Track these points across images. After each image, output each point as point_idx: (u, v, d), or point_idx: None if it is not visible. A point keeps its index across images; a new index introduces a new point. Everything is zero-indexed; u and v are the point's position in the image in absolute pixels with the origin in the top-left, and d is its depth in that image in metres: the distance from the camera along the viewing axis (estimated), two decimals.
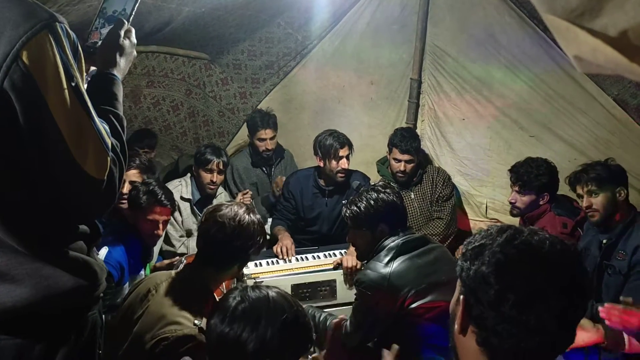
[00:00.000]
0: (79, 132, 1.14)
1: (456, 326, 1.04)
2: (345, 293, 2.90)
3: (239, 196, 3.64)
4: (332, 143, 3.35)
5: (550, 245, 0.98)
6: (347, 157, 3.38)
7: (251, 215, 1.87)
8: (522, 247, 0.99)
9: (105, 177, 1.19)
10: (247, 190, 3.75)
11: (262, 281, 2.83)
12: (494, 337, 0.98)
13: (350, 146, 3.40)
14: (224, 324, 1.35)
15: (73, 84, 1.13)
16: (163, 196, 2.60)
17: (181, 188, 3.53)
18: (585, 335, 2.06)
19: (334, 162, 3.36)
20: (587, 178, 2.55)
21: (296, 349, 1.40)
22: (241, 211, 1.86)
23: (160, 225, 2.61)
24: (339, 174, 3.39)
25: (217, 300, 1.45)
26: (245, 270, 2.94)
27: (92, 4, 2.30)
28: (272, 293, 1.41)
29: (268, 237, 3.70)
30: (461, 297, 1.03)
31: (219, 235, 1.82)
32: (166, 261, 2.92)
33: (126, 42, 1.39)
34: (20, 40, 1.06)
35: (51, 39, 1.10)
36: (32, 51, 1.07)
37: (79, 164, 1.14)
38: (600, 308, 2.03)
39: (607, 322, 1.99)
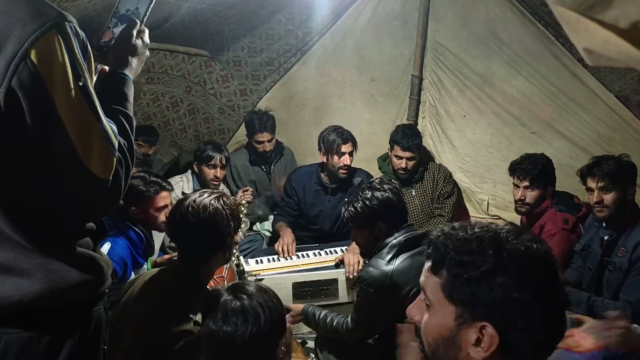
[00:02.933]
0: (85, 132, 1.14)
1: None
2: (347, 292, 2.89)
3: (240, 193, 3.64)
4: (335, 138, 3.35)
5: (536, 249, 0.96)
6: (350, 154, 3.37)
7: (217, 201, 1.81)
8: (530, 255, 0.94)
9: (111, 177, 1.20)
10: (248, 187, 3.74)
11: (263, 279, 2.82)
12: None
13: (354, 143, 3.39)
14: (215, 323, 1.37)
15: (80, 84, 1.13)
16: (163, 181, 2.62)
17: (182, 184, 3.54)
18: (597, 339, 2.03)
19: (335, 158, 3.36)
20: (602, 174, 2.47)
21: (276, 336, 1.47)
22: (205, 199, 1.80)
23: (168, 209, 2.61)
24: (341, 170, 3.38)
25: (207, 300, 1.46)
26: (246, 267, 2.93)
27: (92, 0, 2.28)
28: (254, 290, 1.44)
29: (269, 234, 3.70)
30: (489, 329, 0.92)
31: (186, 229, 1.79)
32: (166, 256, 2.92)
33: (138, 42, 1.39)
34: (29, 39, 1.06)
35: (60, 38, 1.10)
36: (41, 50, 1.07)
37: (84, 163, 1.14)
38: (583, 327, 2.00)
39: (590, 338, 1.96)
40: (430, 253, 1.00)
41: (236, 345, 1.36)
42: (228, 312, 1.37)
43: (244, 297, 1.39)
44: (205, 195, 1.83)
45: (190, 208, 1.78)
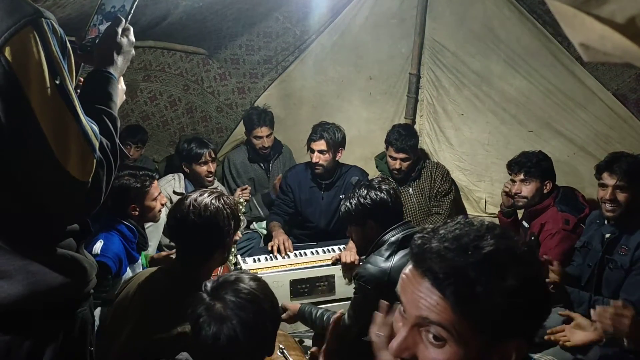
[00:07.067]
0: (62, 132, 1.11)
1: None
2: (344, 288, 2.89)
3: (238, 192, 3.63)
4: (311, 132, 3.37)
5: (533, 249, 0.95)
6: (322, 152, 3.36)
7: (217, 201, 1.81)
8: (536, 260, 0.91)
9: (90, 179, 1.16)
10: (247, 186, 3.74)
11: (261, 277, 2.82)
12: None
13: (330, 142, 3.35)
14: (193, 329, 1.36)
15: (57, 82, 1.10)
16: (148, 170, 2.65)
17: (174, 182, 3.53)
18: (584, 335, 2.05)
19: (309, 153, 3.38)
20: (622, 171, 2.38)
21: (276, 327, 1.47)
22: (206, 199, 1.80)
23: (161, 195, 2.67)
24: (314, 166, 3.41)
25: (199, 307, 1.42)
26: (243, 266, 2.93)
27: None
28: (248, 287, 1.42)
29: (267, 232, 3.70)
30: (518, 344, 0.85)
31: (186, 229, 1.78)
32: (164, 253, 2.90)
33: (124, 40, 1.36)
34: (2, 36, 1.04)
35: (36, 35, 1.07)
36: (15, 47, 1.05)
37: (61, 164, 1.11)
38: (592, 312, 2.02)
39: (598, 324, 1.99)
40: (450, 285, 0.83)
41: (212, 352, 1.35)
42: (203, 320, 1.35)
43: (231, 309, 1.36)
44: (206, 194, 1.82)
45: (191, 207, 1.77)
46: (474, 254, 0.84)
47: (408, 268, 0.90)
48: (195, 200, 1.79)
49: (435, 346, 0.85)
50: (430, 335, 0.85)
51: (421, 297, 0.86)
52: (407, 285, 0.89)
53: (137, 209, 2.52)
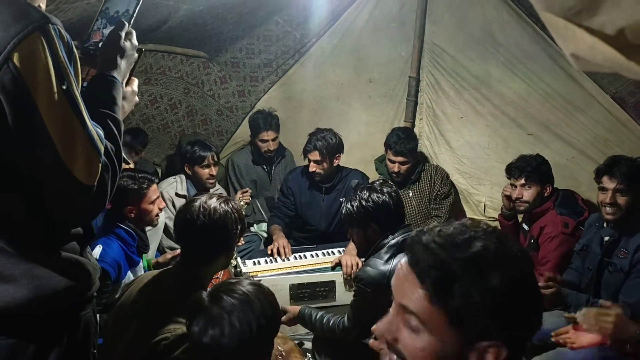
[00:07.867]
0: (69, 137, 1.12)
1: None
2: (344, 294, 2.89)
3: (238, 194, 3.65)
4: (306, 142, 3.39)
5: (524, 253, 0.96)
6: (317, 162, 3.38)
7: (225, 204, 1.84)
8: (527, 265, 0.91)
9: (96, 183, 1.17)
10: (247, 189, 3.75)
11: (260, 280, 2.83)
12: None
13: (323, 152, 3.36)
14: (200, 331, 1.37)
15: (64, 87, 1.11)
16: (147, 174, 2.64)
17: (176, 185, 3.55)
18: (589, 337, 2.05)
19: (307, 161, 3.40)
20: (622, 175, 2.38)
21: (271, 334, 1.47)
22: (214, 202, 1.83)
23: (159, 200, 2.66)
24: (313, 175, 3.43)
25: (193, 304, 1.45)
26: (243, 269, 2.94)
27: (91, 2, 2.29)
28: (244, 289, 1.44)
29: (267, 235, 3.71)
30: (497, 348, 0.85)
31: (195, 230, 1.80)
32: (168, 255, 2.89)
33: (127, 44, 1.37)
34: (11, 42, 1.04)
35: (43, 40, 1.08)
36: (23, 53, 1.05)
37: (68, 168, 1.12)
38: (577, 314, 2.03)
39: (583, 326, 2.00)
40: (431, 276, 0.86)
41: (214, 355, 1.36)
42: (204, 323, 1.37)
43: (221, 309, 1.38)
44: (215, 198, 1.85)
45: (201, 209, 1.80)
46: (461, 250, 0.86)
47: (404, 259, 0.95)
48: (205, 202, 1.82)
49: (414, 333, 0.89)
50: (410, 323, 0.89)
51: (406, 286, 0.90)
52: (398, 274, 0.94)
53: (134, 212, 2.51)
